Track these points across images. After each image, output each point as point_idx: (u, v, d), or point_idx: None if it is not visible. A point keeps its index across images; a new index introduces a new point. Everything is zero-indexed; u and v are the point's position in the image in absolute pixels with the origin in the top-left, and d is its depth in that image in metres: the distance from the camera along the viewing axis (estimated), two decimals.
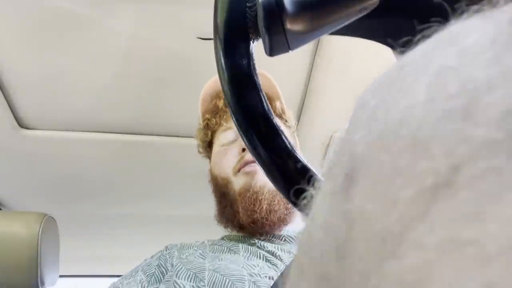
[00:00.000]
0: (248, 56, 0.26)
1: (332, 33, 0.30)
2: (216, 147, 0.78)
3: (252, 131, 0.26)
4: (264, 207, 0.65)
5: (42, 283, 0.84)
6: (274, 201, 0.67)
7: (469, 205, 0.08)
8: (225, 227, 0.74)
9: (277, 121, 0.27)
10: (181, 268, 0.59)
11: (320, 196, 0.12)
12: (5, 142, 1.05)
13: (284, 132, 0.26)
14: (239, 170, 0.70)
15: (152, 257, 0.68)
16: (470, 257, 0.08)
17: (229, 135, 0.76)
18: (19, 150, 1.07)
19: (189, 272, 0.58)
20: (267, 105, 0.26)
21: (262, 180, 0.67)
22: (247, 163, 0.69)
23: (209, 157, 0.82)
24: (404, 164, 0.09)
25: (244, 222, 0.67)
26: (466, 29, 0.10)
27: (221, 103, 0.80)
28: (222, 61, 0.26)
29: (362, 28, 0.31)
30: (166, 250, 0.68)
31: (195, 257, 0.63)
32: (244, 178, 0.68)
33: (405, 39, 0.14)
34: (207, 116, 0.81)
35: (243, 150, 0.70)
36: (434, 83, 0.10)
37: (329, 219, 0.11)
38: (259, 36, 0.26)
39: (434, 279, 0.08)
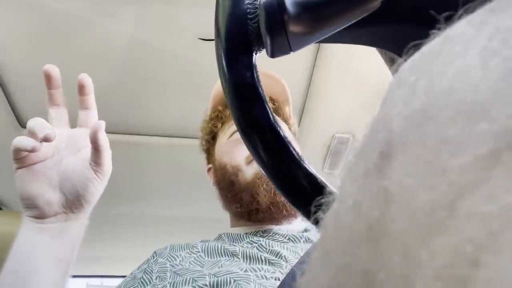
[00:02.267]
0: (251, 68, 0.26)
1: (335, 41, 0.30)
2: (224, 138, 0.77)
3: (259, 144, 0.25)
4: None
5: None
6: None
7: None
8: (234, 214, 0.73)
9: (284, 131, 0.26)
10: (177, 280, 0.57)
11: (349, 178, 0.11)
12: (6, 142, 1.04)
13: (292, 143, 0.26)
14: (252, 161, 0.69)
15: (138, 268, 0.65)
16: None
17: None
18: None
19: (186, 282, 0.56)
20: (273, 116, 0.26)
21: None
22: None
23: (208, 151, 0.82)
24: (454, 131, 0.09)
25: (263, 205, 0.66)
26: None
27: None
28: (226, 73, 0.26)
29: (365, 35, 0.31)
30: (153, 258, 0.65)
31: (190, 263, 0.61)
32: None
33: (446, 14, 0.14)
34: (220, 108, 0.80)
35: None
36: (489, 47, 0.09)
37: (360, 200, 0.10)
38: (262, 47, 0.26)
39: (502, 248, 0.07)
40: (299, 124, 1.15)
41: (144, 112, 1.06)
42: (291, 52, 0.25)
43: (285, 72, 0.96)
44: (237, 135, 0.74)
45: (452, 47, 0.10)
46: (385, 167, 0.10)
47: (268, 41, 0.24)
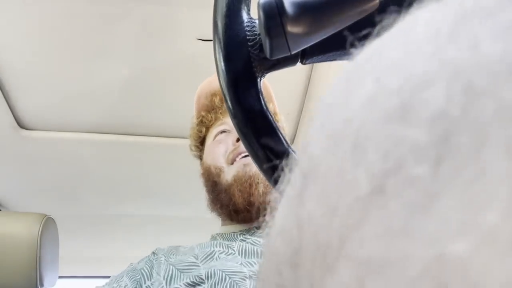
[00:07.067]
0: (258, 91, 0.26)
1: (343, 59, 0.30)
2: (209, 141, 0.79)
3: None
4: (261, 190, 0.66)
5: (42, 284, 0.84)
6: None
7: (397, 217, 0.07)
8: (219, 214, 0.74)
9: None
10: (172, 271, 0.58)
11: (281, 200, 0.11)
12: (5, 143, 1.05)
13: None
14: (232, 161, 0.70)
15: (138, 262, 0.67)
16: (394, 279, 0.07)
17: (224, 127, 0.77)
18: (19, 150, 1.07)
19: (181, 274, 0.57)
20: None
21: None
22: (240, 153, 0.70)
23: (200, 156, 0.83)
24: (347, 167, 0.08)
25: (240, 206, 0.67)
26: (418, 19, 0.09)
27: (217, 100, 0.81)
28: (234, 104, 0.26)
29: None
30: (154, 255, 0.67)
31: (187, 255, 0.62)
32: (238, 167, 0.69)
33: (364, 32, 0.13)
34: (202, 113, 0.82)
35: (238, 140, 0.71)
36: (380, 79, 0.09)
37: (285, 225, 0.10)
38: (265, 72, 0.26)
39: None
40: (298, 124, 1.15)
41: (144, 112, 1.06)
42: (290, 53, 0.25)
43: (285, 72, 0.96)
44: (220, 137, 0.76)
45: (357, 72, 0.10)
46: (304, 193, 0.10)
47: (267, 42, 0.24)
